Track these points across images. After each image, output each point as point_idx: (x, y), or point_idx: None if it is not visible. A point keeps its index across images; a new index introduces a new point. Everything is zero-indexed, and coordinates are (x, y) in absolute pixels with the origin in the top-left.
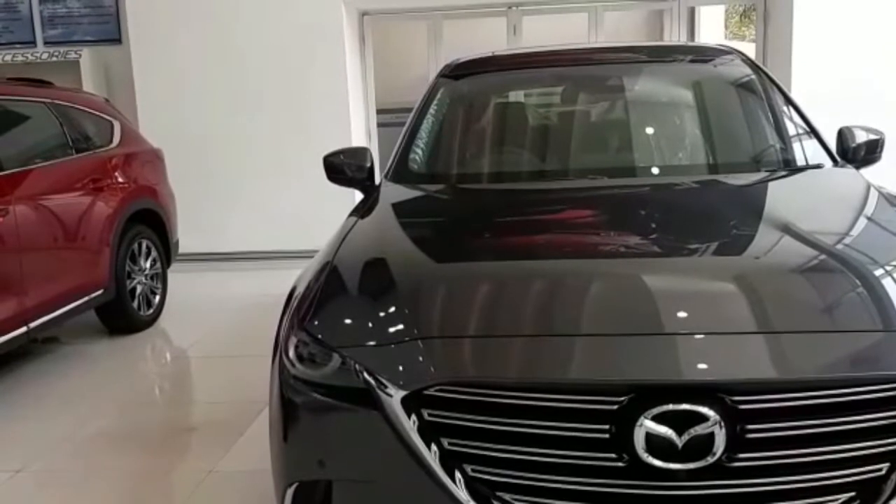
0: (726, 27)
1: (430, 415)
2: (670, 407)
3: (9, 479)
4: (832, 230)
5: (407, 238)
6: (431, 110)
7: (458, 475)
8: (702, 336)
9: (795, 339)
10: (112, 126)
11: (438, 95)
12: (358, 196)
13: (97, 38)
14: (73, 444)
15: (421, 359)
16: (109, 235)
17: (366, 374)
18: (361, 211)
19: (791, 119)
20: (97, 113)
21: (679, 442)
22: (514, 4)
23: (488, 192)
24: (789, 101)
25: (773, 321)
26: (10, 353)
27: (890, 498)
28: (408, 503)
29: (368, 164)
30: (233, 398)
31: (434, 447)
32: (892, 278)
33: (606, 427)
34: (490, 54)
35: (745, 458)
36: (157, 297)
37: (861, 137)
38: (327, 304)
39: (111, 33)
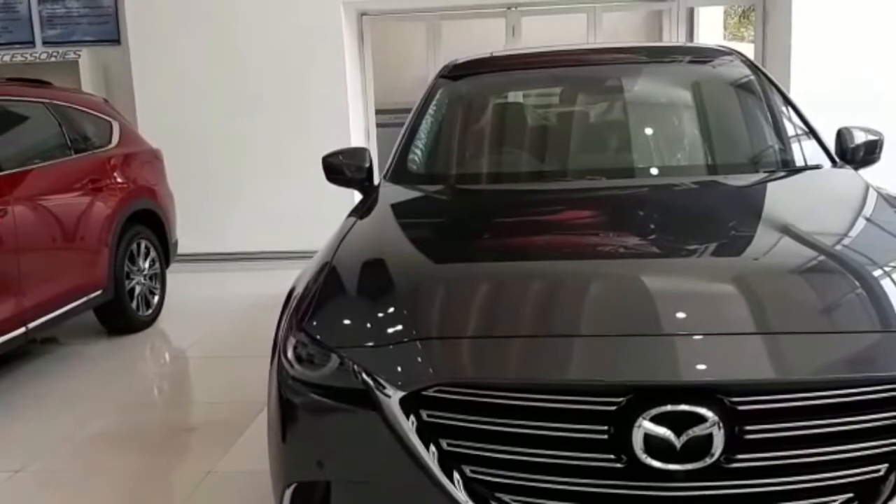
0: (725, 28)
1: (428, 415)
2: (669, 408)
3: (8, 479)
4: (831, 231)
5: (406, 239)
6: (430, 111)
7: (456, 476)
8: (700, 337)
9: (794, 339)
10: (111, 126)
11: (437, 96)
12: (357, 196)
13: (96, 39)
14: (72, 445)
15: (419, 359)
16: (108, 236)
17: (364, 375)
18: (360, 211)
19: (790, 120)
20: (96, 113)
21: (677, 443)
22: (512, 5)
23: (487, 192)
24: (788, 102)
25: (771, 322)
26: (8, 353)
27: (889, 499)
28: None
29: (367, 165)
30: (232, 398)
31: (432, 448)
32: (891, 279)
33: (605, 428)
34: (489, 55)
35: (744, 459)
36: (156, 298)
37: (860, 138)
38: (326, 304)
39: (110, 34)
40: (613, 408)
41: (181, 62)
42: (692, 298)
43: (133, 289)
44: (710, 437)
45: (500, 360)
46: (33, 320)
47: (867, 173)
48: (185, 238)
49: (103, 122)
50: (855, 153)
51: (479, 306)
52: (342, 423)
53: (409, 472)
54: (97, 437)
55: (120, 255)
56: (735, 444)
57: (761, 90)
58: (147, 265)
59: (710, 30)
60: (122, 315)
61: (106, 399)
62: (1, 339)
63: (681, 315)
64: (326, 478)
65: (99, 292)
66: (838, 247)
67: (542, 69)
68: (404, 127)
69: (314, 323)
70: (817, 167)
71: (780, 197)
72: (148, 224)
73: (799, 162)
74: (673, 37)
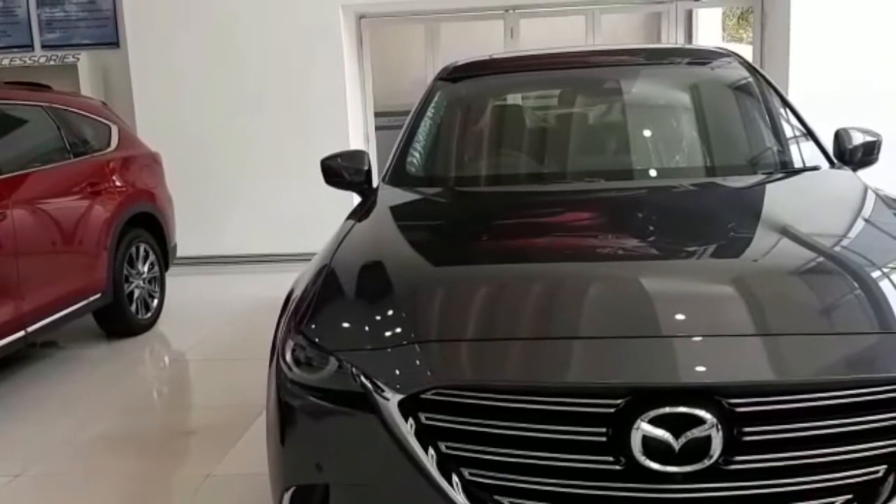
0: (724, 29)
1: (427, 418)
2: (667, 410)
3: (8, 484)
4: (829, 232)
5: (404, 241)
6: (429, 113)
7: (455, 479)
8: (699, 339)
9: (792, 341)
10: (110, 130)
11: (436, 98)
12: (356, 199)
13: (95, 42)
14: (72, 448)
15: (418, 362)
16: (107, 239)
17: (363, 378)
18: (359, 214)
19: (788, 121)
20: (95, 117)
21: (676, 445)
22: (510, 7)
23: (486, 195)
24: (786, 104)
25: (769, 323)
26: (8, 357)
27: (888, 500)
28: None
29: (366, 168)
30: (231, 402)
31: (431, 451)
32: (889, 280)
33: (603, 430)
34: (487, 57)
35: (742, 461)
36: (156, 301)
37: (858, 139)
38: (324, 307)
39: (109, 37)
40: (612, 410)
41: (180, 65)
42: (691, 300)
43: (132, 292)
44: (708, 438)
45: (498, 363)
46: (33, 324)
47: (865, 174)
48: (185, 240)
49: (102, 126)
50: (853, 154)
51: (477, 309)
52: (341, 427)
53: (407, 475)
54: (97, 440)
55: (119, 259)
56: (733, 445)
57: (759, 92)
58: (146, 268)
59: (709, 31)
60: (122, 318)
61: (105, 402)
62: (0, 342)
63: (679, 317)
64: (325, 481)
65: (98, 296)
66: (837, 248)
67: (540, 71)
68: (403, 129)
69: (312, 326)
70: (815, 168)
71: (779, 198)
72: (147, 227)
73: (797, 163)
74: (671, 39)
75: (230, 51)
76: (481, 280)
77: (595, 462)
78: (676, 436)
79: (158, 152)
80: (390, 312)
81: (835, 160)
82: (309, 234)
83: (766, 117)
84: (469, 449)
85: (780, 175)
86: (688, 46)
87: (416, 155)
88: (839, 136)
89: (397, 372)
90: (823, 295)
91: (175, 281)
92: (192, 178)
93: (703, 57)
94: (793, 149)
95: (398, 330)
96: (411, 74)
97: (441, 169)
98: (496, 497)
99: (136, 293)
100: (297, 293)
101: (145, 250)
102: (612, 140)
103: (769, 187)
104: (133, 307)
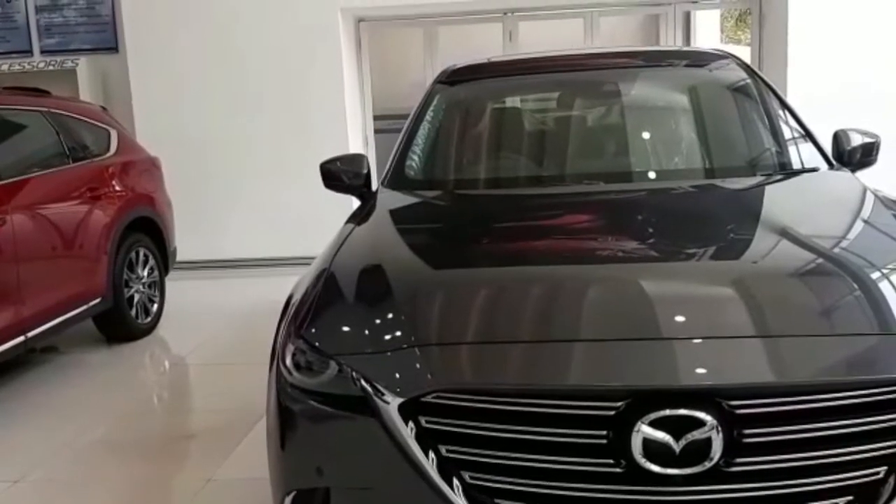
0: (722, 31)
1: (427, 422)
2: (667, 412)
3: (8, 489)
4: (828, 234)
5: (404, 245)
6: (428, 117)
7: (455, 482)
8: (699, 341)
9: (792, 342)
10: (109, 135)
11: (435, 102)
12: (356, 203)
13: (94, 47)
14: (72, 453)
15: (418, 366)
16: (107, 244)
17: (363, 382)
18: (358, 218)
19: (786, 123)
20: (94, 122)
21: (676, 447)
22: (509, 10)
23: (485, 197)
24: (784, 105)
25: (769, 325)
26: (8, 362)
27: (888, 501)
28: None
29: (365, 171)
30: (231, 406)
31: (432, 454)
32: (889, 281)
33: (604, 433)
34: (486, 60)
35: (743, 463)
36: (155, 306)
37: (856, 140)
38: (324, 311)
39: (108, 42)
40: (612, 412)
41: (179, 69)
42: (690, 302)
43: (132, 297)
44: (708, 440)
45: (498, 366)
46: (32, 329)
47: (864, 175)
48: (185, 244)
49: (101, 131)
50: (851, 155)
51: (477, 312)
52: (341, 430)
53: (408, 478)
54: (97, 445)
55: (119, 264)
56: (734, 447)
57: (758, 93)
58: (146, 273)
59: (707, 33)
60: (121, 323)
61: (105, 407)
62: (0, 347)
63: (679, 319)
64: (326, 485)
65: (98, 300)
66: (836, 250)
67: (539, 74)
68: (402, 133)
69: (312, 330)
70: (814, 170)
71: (778, 200)
72: (146, 232)
73: (796, 165)
74: (670, 41)
75: (229, 55)
76: (481, 283)
77: (595, 465)
78: (677, 438)
79: (157, 157)
80: (390, 316)
81: (833, 161)
82: (308, 237)
83: (765, 119)
84: (470, 452)
85: (778, 176)
86: (686, 48)
87: (416, 158)
88: (838, 138)
89: (397, 375)
90: (823, 296)
91: (175, 285)
92: (192, 181)
93: (702, 59)
94: (791, 150)
95: (398, 333)
96: (410, 78)
97: (440, 172)
98: (497, 500)
99: (136, 298)
100: (297, 297)
101: (145, 255)
102: (611, 142)
103: (768, 189)
104: (133, 312)
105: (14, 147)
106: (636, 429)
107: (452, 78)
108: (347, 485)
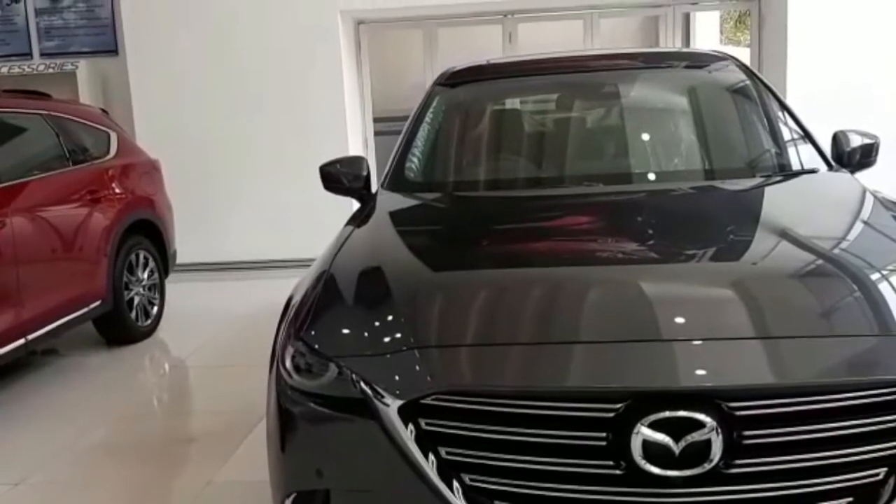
0: (721, 32)
1: (427, 424)
2: (667, 414)
3: (8, 492)
4: (828, 235)
5: (403, 246)
6: (427, 118)
7: (455, 484)
8: (698, 342)
9: (792, 344)
10: (109, 137)
11: (434, 103)
12: (356, 205)
13: (93, 50)
14: (72, 456)
15: (418, 368)
16: (107, 246)
17: (362, 384)
18: (358, 220)
19: (786, 124)
20: (94, 124)
21: (676, 449)
22: (508, 12)
23: (485, 199)
24: (784, 106)
25: (769, 326)
26: (8, 365)
27: (888, 502)
28: None
29: (365, 173)
30: (231, 408)
31: (431, 456)
32: (888, 283)
33: (603, 434)
34: (486, 62)
35: (742, 465)
36: (155, 308)
37: (856, 142)
38: (324, 313)
39: (107, 44)
40: (612, 414)
41: (178, 72)
42: (690, 304)
43: (132, 299)
44: (708, 442)
45: (498, 368)
46: (33, 332)
47: (863, 177)
48: (185, 247)
49: (101, 133)
50: (851, 157)
51: (476, 314)
52: (341, 433)
53: (408, 480)
54: (97, 448)
55: (119, 266)
56: (734, 449)
57: (757, 95)
58: (146, 275)
59: (707, 34)
60: (122, 325)
61: (106, 410)
62: (1, 350)
63: (679, 320)
64: (326, 487)
65: (98, 303)
66: (836, 251)
67: (538, 76)
68: (401, 135)
69: (312, 332)
70: (813, 171)
71: (777, 201)
72: (146, 234)
73: (795, 166)
74: (669, 42)
75: (228, 59)
76: (481, 285)
77: (595, 466)
78: (676, 440)
79: (157, 159)
80: (390, 318)
81: (833, 163)
82: (308, 240)
83: (764, 120)
84: (469, 454)
85: (778, 178)
86: (685, 50)
87: (415, 160)
88: (837, 139)
89: (397, 378)
90: (823, 298)
91: (175, 287)
92: (192, 184)
93: (701, 60)
94: (791, 151)
95: (398, 335)
96: (410, 80)
97: (440, 174)
98: (496, 502)
99: (136, 300)
100: (297, 299)
101: (145, 257)
102: (611, 144)
103: (768, 190)
104: (133, 314)
105: (14, 150)
106: (636, 430)
107: (452, 80)
108: (347, 487)
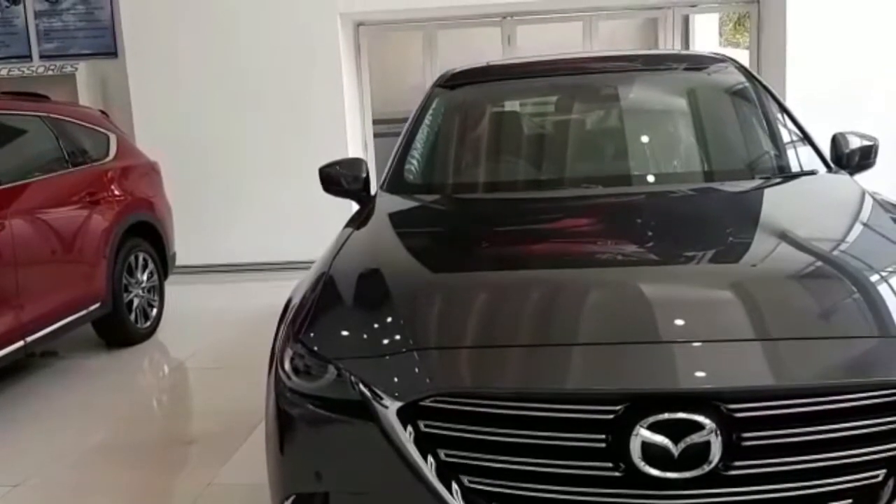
0: (720, 34)
1: (426, 426)
2: (666, 416)
3: (8, 493)
4: (827, 237)
5: (402, 249)
6: (427, 120)
7: (454, 486)
8: (698, 344)
9: (791, 346)
10: (108, 139)
11: (434, 105)
12: (355, 207)
13: (93, 52)
14: (72, 458)
15: (417, 370)
16: (106, 248)
17: (361, 386)
18: (357, 222)
19: (785, 126)
20: (93, 126)
21: (675, 450)
22: (508, 14)
23: (484, 201)
24: (783, 108)
25: (768, 328)
26: (7, 367)
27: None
28: None
29: (364, 175)
30: (231, 410)
31: (430, 458)
32: (888, 284)
33: (602, 436)
34: (485, 64)
35: (742, 466)
36: (155, 310)
37: (855, 143)
38: (323, 315)
39: (107, 47)
40: (611, 416)
41: (178, 74)
42: (689, 305)
43: (131, 301)
44: (707, 444)
45: (497, 370)
46: (32, 334)
47: (862, 178)
48: (184, 248)
49: (100, 135)
50: (850, 158)
51: (475, 316)
52: (340, 435)
53: (407, 482)
54: (97, 450)
55: (118, 268)
56: (733, 451)
57: (756, 97)
58: (145, 277)
59: (706, 36)
60: (121, 328)
61: (105, 412)
62: (0, 352)
63: (678, 322)
64: (325, 489)
65: (97, 305)
66: (835, 252)
67: (538, 78)
68: (401, 137)
69: (311, 334)
70: (812, 173)
71: (777, 203)
72: (146, 236)
73: (794, 168)
74: (668, 44)
75: (228, 61)
76: (480, 287)
77: (594, 469)
78: (675, 442)
79: (157, 161)
80: (389, 320)
81: (832, 164)
82: (307, 241)
83: (763, 122)
84: (468, 456)
85: (777, 180)
86: (684, 52)
87: (414, 162)
88: (836, 141)
89: (396, 379)
90: (822, 299)
91: (174, 290)
92: (191, 186)
93: (700, 62)
94: (790, 153)
95: (397, 337)
96: (409, 82)
97: (439, 176)
98: None
99: (136, 302)
100: (296, 301)
101: (144, 259)
102: (610, 146)
103: (767, 192)
104: (132, 316)
105: (13, 152)
106: (635, 432)
107: (451, 82)
108: (346, 489)
